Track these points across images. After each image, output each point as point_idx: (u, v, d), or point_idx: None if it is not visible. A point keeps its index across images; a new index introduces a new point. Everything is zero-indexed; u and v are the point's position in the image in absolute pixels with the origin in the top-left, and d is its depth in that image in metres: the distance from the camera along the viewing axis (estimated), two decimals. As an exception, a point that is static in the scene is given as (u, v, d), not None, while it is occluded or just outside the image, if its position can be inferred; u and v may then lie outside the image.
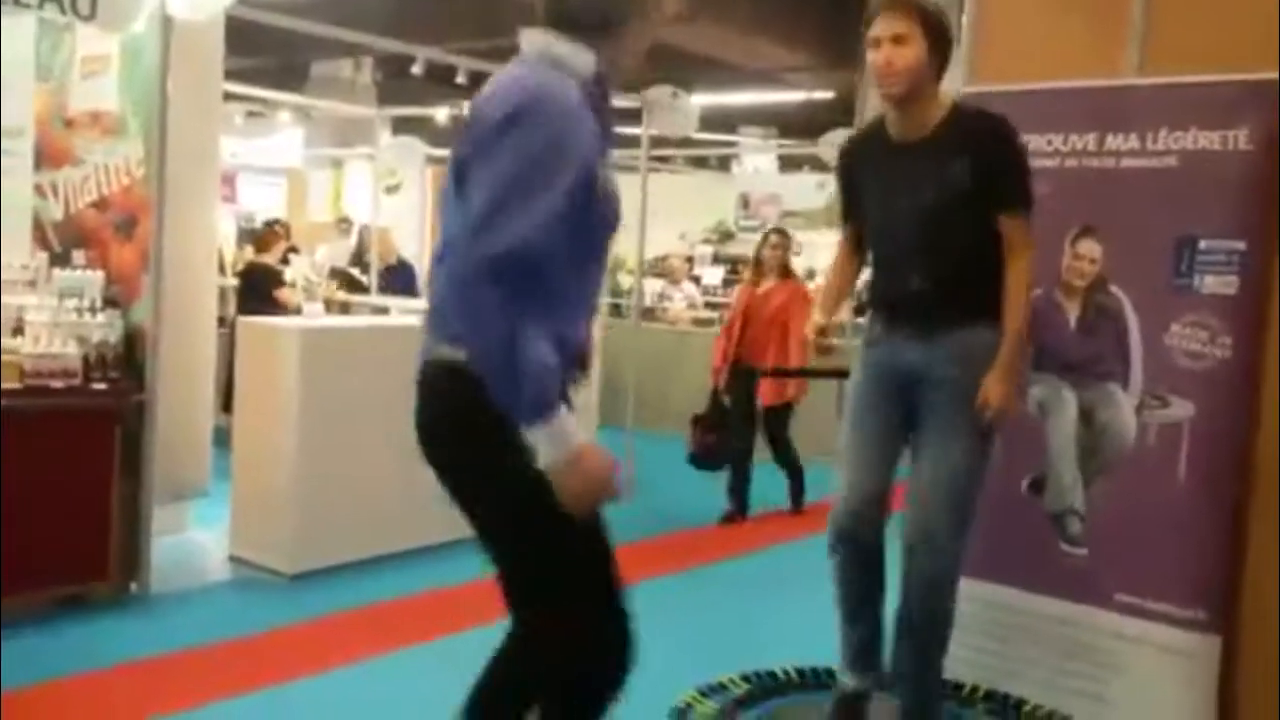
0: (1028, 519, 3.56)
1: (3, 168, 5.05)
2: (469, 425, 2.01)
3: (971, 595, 3.43)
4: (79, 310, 4.47)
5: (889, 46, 2.94)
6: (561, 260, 1.94)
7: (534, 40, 2.10)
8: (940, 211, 2.96)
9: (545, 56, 2.07)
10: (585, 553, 2.12)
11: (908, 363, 3.05)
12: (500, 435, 1.92)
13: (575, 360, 2.08)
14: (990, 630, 3.60)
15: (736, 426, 6.57)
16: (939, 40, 2.97)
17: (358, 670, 3.92)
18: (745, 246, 14.41)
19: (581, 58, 2.07)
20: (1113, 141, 3.48)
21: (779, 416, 6.68)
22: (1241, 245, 3.25)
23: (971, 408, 2.95)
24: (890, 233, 3.10)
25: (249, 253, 8.92)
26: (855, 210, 3.24)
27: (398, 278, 9.33)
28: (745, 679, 3.65)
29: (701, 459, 6.63)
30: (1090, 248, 3.50)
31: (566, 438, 1.90)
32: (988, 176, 2.94)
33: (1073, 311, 3.53)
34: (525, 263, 1.87)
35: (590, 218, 2.00)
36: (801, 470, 6.79)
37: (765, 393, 6.55)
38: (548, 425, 1.88)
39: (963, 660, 3.47)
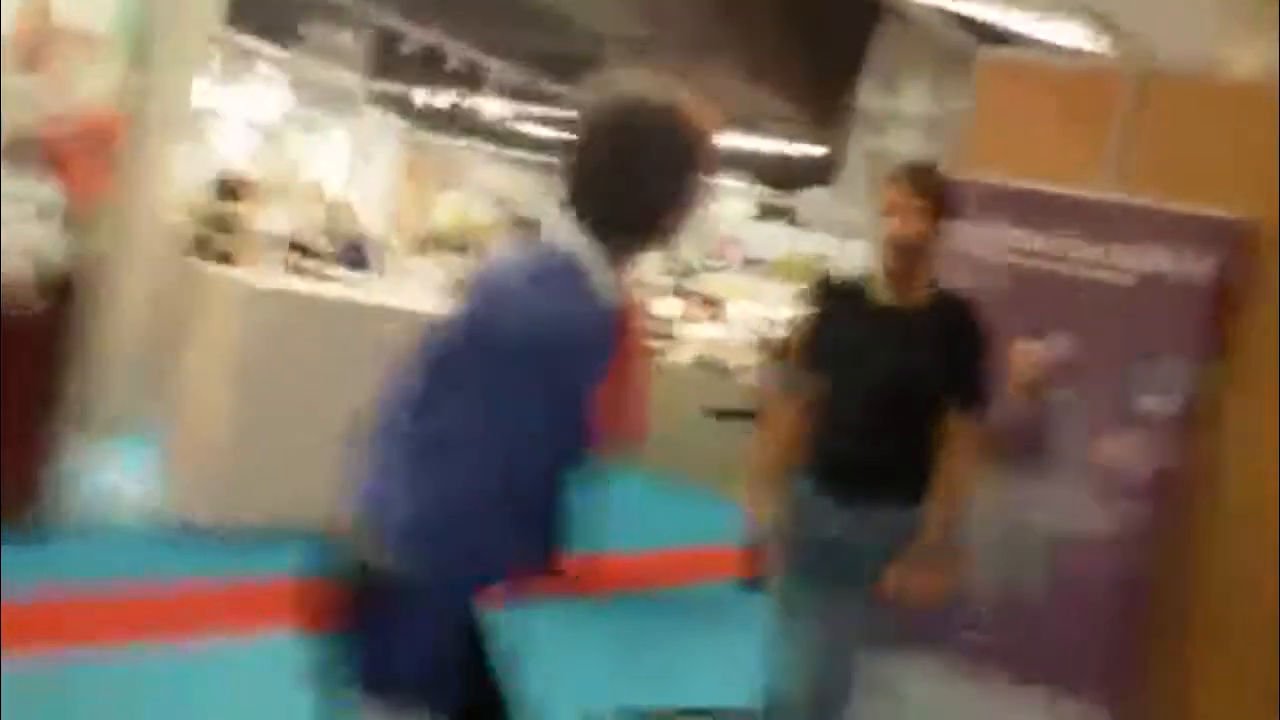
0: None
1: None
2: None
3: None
4: (34, 222, 4.37)
5: (901, 217, 2.92)
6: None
7: (550, 227, 1.92)
8: (909, 384, 2.94)
9: (571, 260, 1.87)
10: None
11: (835, 533, 2.98)
12: None
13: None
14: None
15: None
16: (948, 214, 2.96)
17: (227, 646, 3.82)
18: (705, 285, 14.52)
19: (604, 268, 1.88)
20: (1079, 250, 3.57)
21: None
22: (1184, 366, 3.36)
23: (880, 580, 2.89)
24: (850, 390, 3.00)
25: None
26: (816, 358, 3.12)
27: (353, 254, 9.30)
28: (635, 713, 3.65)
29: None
30: (1039, 348, 3.59)
31: None
32: (955, 371, 2.94)
33: (1015, 409, 3.60)
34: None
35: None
36: None
37: None
38: None
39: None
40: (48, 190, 4.58)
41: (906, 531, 2.93)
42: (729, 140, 14.00)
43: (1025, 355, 3.58)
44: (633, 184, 1.86)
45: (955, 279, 3.62)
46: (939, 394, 2.94)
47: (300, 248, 9.23)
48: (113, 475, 5.23)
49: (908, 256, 2.95)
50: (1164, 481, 3.37)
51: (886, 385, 2.95)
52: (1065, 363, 3.54)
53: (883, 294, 3.04)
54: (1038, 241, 3.63)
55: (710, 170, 1.93)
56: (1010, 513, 3.56)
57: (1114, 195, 3.59)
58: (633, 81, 1.91)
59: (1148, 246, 3.46)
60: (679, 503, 8.03)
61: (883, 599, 2.89)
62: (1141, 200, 3.50)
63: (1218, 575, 3.38)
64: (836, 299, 3.20)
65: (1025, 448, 3.57)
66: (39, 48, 4.88)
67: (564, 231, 1.89)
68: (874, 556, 2.93)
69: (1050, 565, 3.49)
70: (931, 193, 2.93)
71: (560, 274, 1.85)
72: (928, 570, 2.92)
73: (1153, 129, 3.64)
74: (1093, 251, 3.55)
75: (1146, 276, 3.45)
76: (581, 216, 1.87)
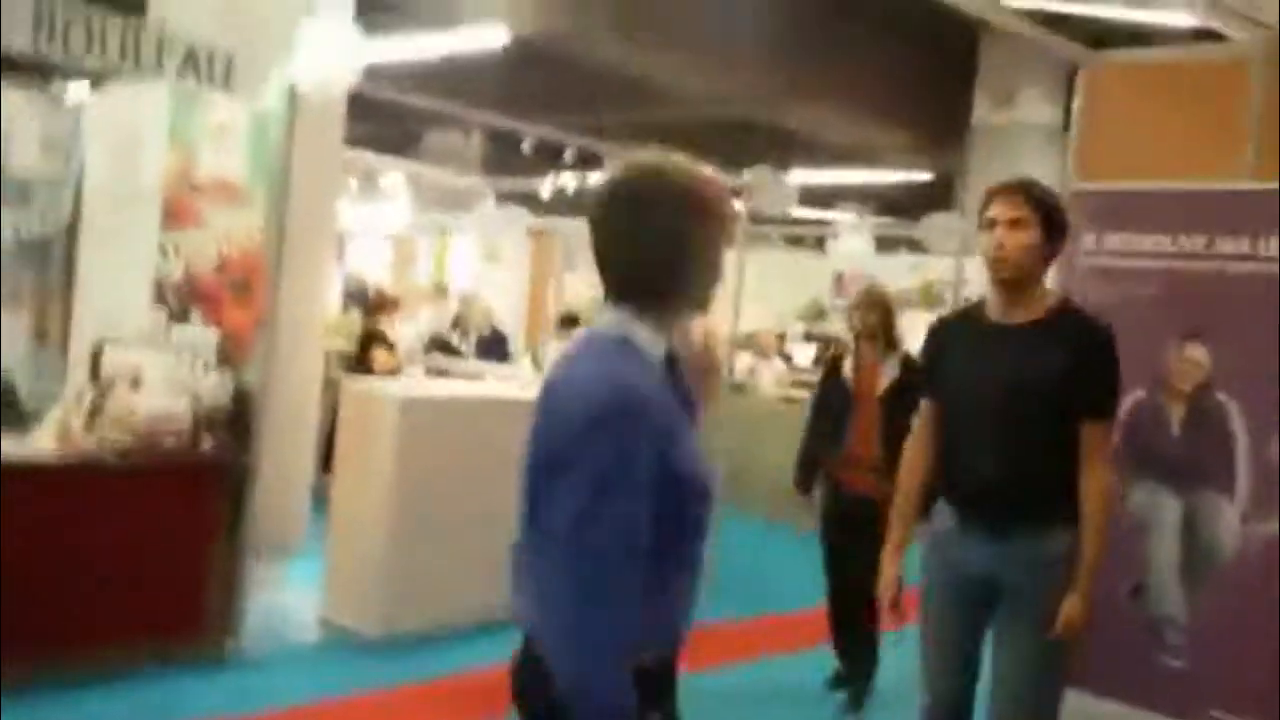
0: (1127, 626, 3.48)
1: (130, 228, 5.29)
2: None
3: (1069, 705, 3.35)
4: (193, 367, 4.64)
5: (1003, 229, 2.87)
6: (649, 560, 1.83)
7: (605, 319, 1.94)
8: (1028, 397, 2.85)
9: (615, 339, 1.90)
10: None
11: (981, 566, 2.93)
12: None
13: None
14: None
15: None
16: (1054, 227, 2.89)
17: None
18: (838, 325, 14.40)
19: (653, 338, 1.91)
20: (1222, 245, 3.44)
21: None
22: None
23: (1046, 615, 2.85)
24: (971, 412, 2.97)
25: (355, 315, 9.16)
26: (938, 388, 3.11)
27: (492, 347, 9.52)
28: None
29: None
30: (1196, 352, 3.46)
31: None
32: (1083, 379, 2.84)
33: (1176, 416, 3.47)
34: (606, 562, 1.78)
35: (680, 512, 1.88)
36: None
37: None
38: None
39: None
40: (204, 334, 4.86)
41: (1054, 558, 2.85)
42: (840, 175, 13.96)
43: (1185, 360, 3.46)
44: (643, 248, 1.89)
45: (1097, 293, 3.54)
46: (1064, 403, 2.86)
47: (442, 345, 9.50)
48: (285, 595, 5.46)
49: (1015, 270, 2.89)
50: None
51: (1008, 397, 2.88)
52: (1225, 363, 3.40)
53: (996, 313, 2.98)
54: (1181, 242, 3.51)
55: (725, 231, 1.95)
56: (1190, 529, 3.41)
57: (1252, 184, 3.46)
58: (644, 157, 1.95)
59: (1295, 230, 3.31)
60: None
61: (1056, 633, 2.80)
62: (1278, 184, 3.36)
63: None
64: (951, 326, 3.17)
65: (1193, 459, 3.42)
66: (185, 203, 5.19)
67: (606, 314, 1.94)
68: (1027, 587, 2.86)
69: (1235, 581, 3.32)
70: (1034, 203, 2.87)
71: (607, 349, 1.88)
72: (1086, 602, 2.81)
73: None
74: (1238, 244, 3.42)
75: (1299, 262, 3.30)
76: (613, 293, 1.93)
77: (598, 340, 1.92)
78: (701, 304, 1.99)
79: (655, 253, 1.89)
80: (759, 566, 7.24)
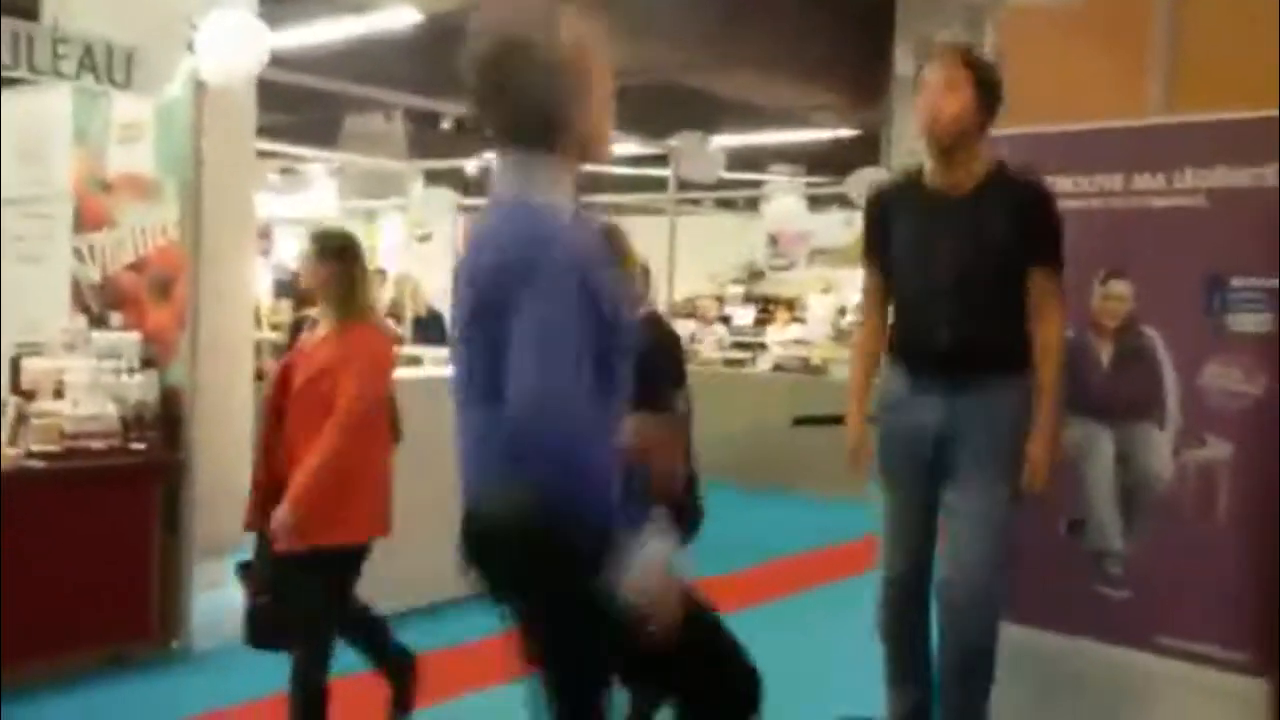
0: (1067, 561, 3.53)
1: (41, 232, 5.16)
2: (522, 574, 1.95)
3: (1012, 641, 3.40)
4: (117, 371, 4.54)
5: (938, 92, 2.89)
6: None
7: (508, 168, 2.06)
8: (977, 266, 2.92)
9: (527, 185, 2.02)
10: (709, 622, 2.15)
11: (934, 423, 3.02)
12: (552, 582, 1.92)
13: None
14: (1031, 678, 3.55)
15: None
16: (989, 92, 2.91)
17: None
18: (776, 285, 14.46)
19: (558, 177, 2.03)
20: (1140, 181, 3.47)
21: None
22: (1273, 283, 3.23)
23: (999, 462, 2.92)
24: (922, 284, 3.05)
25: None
26: (882, 256, 3.20)
27: (429, 327, 9.42)
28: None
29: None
30: (1120, 288, 3.49)
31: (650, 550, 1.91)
32: (1027, 235, 2.91)
33: (1105, 353, 3.51)
34: (569, 405, 1.87)
35: (612, 350, 2.01)
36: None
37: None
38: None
39: (1005, 706, 3.42)
40: (126, 336, 4.75)
41: (1009, 409, 2.94)
42: (768, 137, 13.96)
43: (1110, 297, 3.49)
44: (518, 92, 1.98)
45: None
46: (1012, 263, 2.90)
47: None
48: (231, 591, 5.36)
49: (949, 135, 2.88)
50: (1271, 398, 3.24)
51: (958, 266, 2.95)
52: (1149, 298, 3.44)
53: (935, 179, 2.99)
54: (1099, 181, 3.53)
55: (597, 76, 2.03)
56: (1125, 462, 3.46)
57: (1165, 117, 3.49)
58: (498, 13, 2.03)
59: (1212, 162, 3.34)
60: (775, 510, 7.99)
61: (1029, 476, 2.93)
62: (1195, 116, 3.39)
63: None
64: (891, 194, 3.21)
65: (1124, 394, 3.47)
66: (97, 203, 5.06)
67: (507, 175, 2.05)
68: (984, 439, 2.95)
69: (1171, 510, 3.37)
70: (968, 66, 2.87)
71: (521, 205, 2.00)
72: (1049, 444, 2.95)
73: (1193, 39, 3.52)
74: (1155, 180, 3.45)
75: (1216, 193, 3.33)
76: (508, 149, 2.04)
77: (516, 207, 2.00)
78: (596, 144, 2.06)
79: (532, 100, 1.97)
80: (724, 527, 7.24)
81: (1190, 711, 3.31)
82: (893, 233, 3.13)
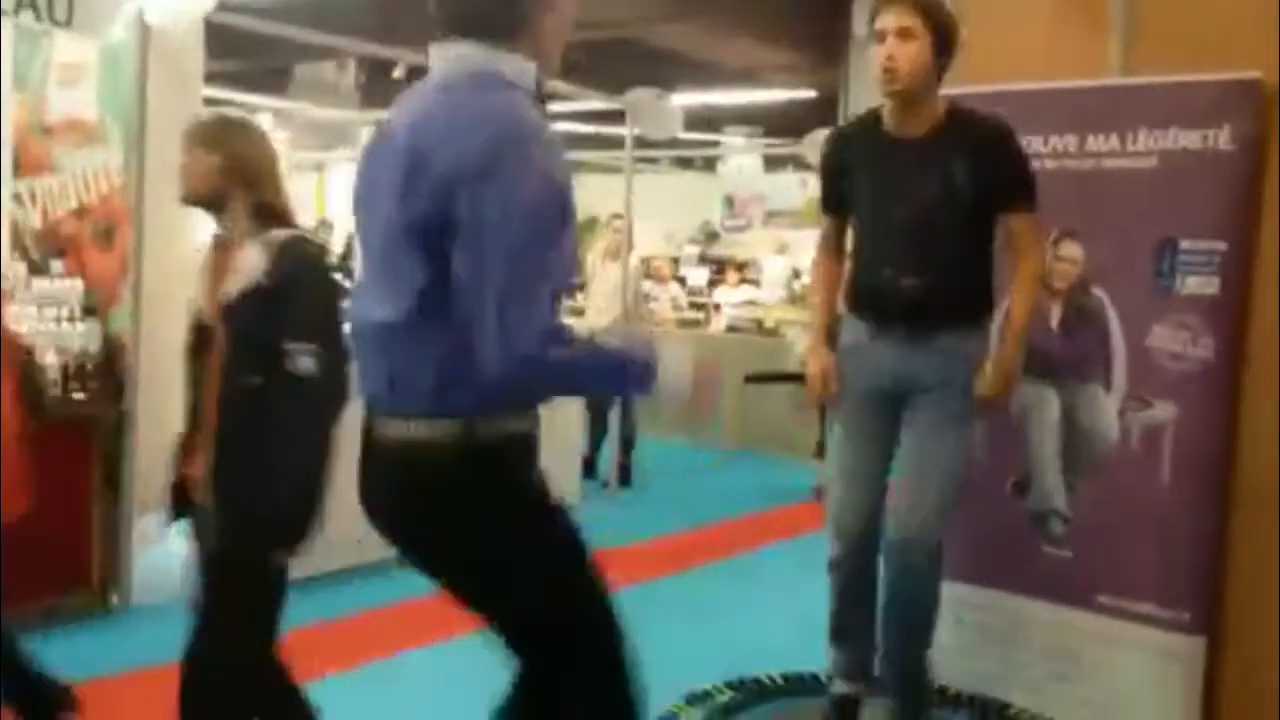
0: (1011, 520, 3.56)
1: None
2: (459, 503, 1.89)
3: (956, 598, 3.44)
4: (58, 319, 4.44)
5: (893, 41, 2.87)
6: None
7: (463, 56, 1.92)
8: (938, 210, 2.92)
9: (485, 75, 1.88)
10: (586, 587, 2.06)
11: (894, 371, 3.02)
12: (493, 506, 1.89)
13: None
14: (975, 633, 3.59)
15: None
16: (945, 38, 2.90)
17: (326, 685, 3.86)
18: (732, 248, 14.45)
19: (523, 68, 1.90)
20: (1093, 143, 3.47)
21: None
22: (1222, 246, 3.25)
23: (957, 410, 2.94)
24: (883, 229, 3.04)
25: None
26: (840, 202, 3.18)
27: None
28: (731, 686, 3.63)
29: None
30: (1071, 249, 3.50)
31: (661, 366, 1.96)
32: (990, 178, 2.91)
33: (1054, 313, 3.52)
34: (545, 370, 1.83)
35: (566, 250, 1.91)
36: None
37: None
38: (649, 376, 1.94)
39: (949, 664, 3.46)
40: (67, 283, 4.64)
41: (971, 356, 2.97)
42: (725, 96, 13.89)
43: (1061, 258, 3.50)
44: None
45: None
46: (975, 207, 2.91)
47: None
48: (172, 545, 5.30)
49: (907, 82, 2.88)
50: (1217, 362, 3.27)
51: (919, 212, 2.95)
52: (1099, 259, 3.45)
53: (893, 126, 2.98)
54: (1053, 143, 3.53)
55: None
56: (1070, 422, 3.49)
57: (1118, 79, 3.49)
58: None
59: (1164, 124, 3.35)
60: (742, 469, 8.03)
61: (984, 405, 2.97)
62: (1148, 77, 3.39)
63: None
64: (851, 137, 3.20)
65: (1072, 354, 3.49)
66: (37, 147, 4.92)
67: (458, 52, 1.95)
68: (939, 387, 2.97)
69: (1115, 471, 3.41)
70: (923, 13, 2.87)
71: (477, 86, 1.90)
72: (1009, 373, 2.99)
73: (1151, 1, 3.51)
74: (1109, 142, 3.45)
75: (1169, 155, 3.34)
76: (455, 35, 1.94)
77: (472, 93, 1.88)
78: (552, 49, 1.98)
79: None
80: (675, 486, 7.30)
81: (1131, 670, 3.36)
82: (853, 178, 3.12)
